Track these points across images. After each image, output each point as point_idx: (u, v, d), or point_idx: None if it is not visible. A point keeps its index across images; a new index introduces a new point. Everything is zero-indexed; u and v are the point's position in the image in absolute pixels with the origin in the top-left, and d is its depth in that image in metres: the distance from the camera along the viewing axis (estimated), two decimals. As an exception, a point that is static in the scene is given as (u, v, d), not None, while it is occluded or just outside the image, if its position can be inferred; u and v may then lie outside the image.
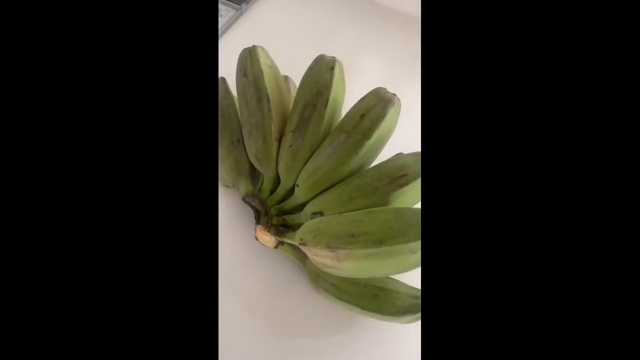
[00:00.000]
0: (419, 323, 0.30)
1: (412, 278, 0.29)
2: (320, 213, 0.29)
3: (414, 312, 0.28)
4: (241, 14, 0.50)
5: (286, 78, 0.37)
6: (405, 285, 0.29)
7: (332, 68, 0.29)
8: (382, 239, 0.24)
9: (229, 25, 0.49)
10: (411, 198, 0.28)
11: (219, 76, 0.36)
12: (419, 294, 0.28)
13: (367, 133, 0.27)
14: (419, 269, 0.26)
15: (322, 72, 0.29)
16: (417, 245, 0.23)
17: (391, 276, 0.29)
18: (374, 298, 0.28)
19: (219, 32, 0.47)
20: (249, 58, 0.31)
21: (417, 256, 0.23)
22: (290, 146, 0.30)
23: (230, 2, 0.50)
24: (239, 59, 0.32)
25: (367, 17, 0.51)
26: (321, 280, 0.30)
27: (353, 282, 0.29)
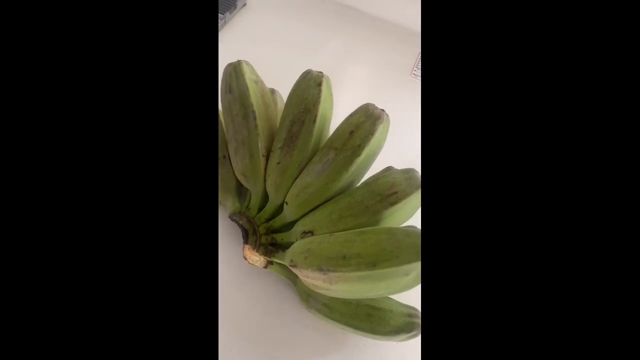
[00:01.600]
0: (417, 341, 0.29)
1: (407, 295, 0.29)
2: (311, 232, 0.28)
3: (409, 331, 0.27)
4: (225, 23, 0.49)
5: (272, 91, 0.37)
6: (399, 303, 0.28)
7: (320, 84, 0.29)
8: (374, 261, 0.23)
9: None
10: (402, 216, 0.27)
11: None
12: (414, 312, 0.28)
13: (357, 150, 0.27)
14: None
15: (310, 88, 0.29)
16: (411, 267, 0.22)
17: (384, 294, 0.29)
18: (366, 318, 0.28)
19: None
20: (234, 74, 0.30)
21: (411, 278, 0.23)
22: (278, 163, 0.29)
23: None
24: (223, 74, 0.31)
25: (353, 26, 0.51)
26: (312, 300, 0.29)
27: (345, 302, 0.28)
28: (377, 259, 0.23)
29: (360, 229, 0.25)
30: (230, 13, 0.49)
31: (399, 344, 0.29)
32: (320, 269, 0.25)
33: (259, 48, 0.46)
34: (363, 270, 0.23)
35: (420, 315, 0.28)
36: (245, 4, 0.51)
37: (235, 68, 0.30)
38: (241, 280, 0.33)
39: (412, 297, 0.28)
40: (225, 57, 0.33)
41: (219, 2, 0.49)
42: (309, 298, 0.29)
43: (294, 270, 0.27)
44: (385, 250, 0.23)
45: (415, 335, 0.28)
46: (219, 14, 0.49)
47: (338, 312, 0.28)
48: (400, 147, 0.37)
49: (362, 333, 0.28)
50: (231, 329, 0.30)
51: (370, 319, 0.28)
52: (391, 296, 0.29)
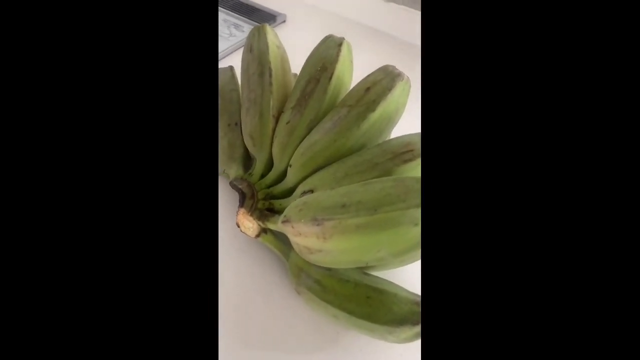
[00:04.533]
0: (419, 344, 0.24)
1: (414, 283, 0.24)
2: (311, 191, 0.25)
3: (414, 323, 0.22)
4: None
5: (295, 75, 0.36)
6: (405, 290, 0.24)
7: (340, 45, 0.28)
8: (376, 206, 0.19)
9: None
10: (417, 174, 0.24)
11: (228, 65, 0.36)
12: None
13: (371, 105, 0.25)
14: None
15: (329, 48, 0.28)
16: (419, 213, 0.19)
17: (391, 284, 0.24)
18: (365, 301, 0.23)
19: (238, 46, 0.48)
20: (257, 34, 0.30)
21: (420, 228, 0.19)
22: (287, 123, 0.28)
23: (253, 21, 0.52)
24: (247, 37, 0.31)
25: (384, 48, 0.52)
26: (304, 276, 0.25)
27: (341, 280, 0.24)
28: (380, 203, 0.19)
29: (366, 181, 0.22)
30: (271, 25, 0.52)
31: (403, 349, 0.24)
32: (314, 220, 0.21)
33: (293, 63, 0.48)
34: (362, 216, 0.20)
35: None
36: (284, 21, 0.54)
37: (259, 29, 0.30)
38: (230, 259, 0.29)
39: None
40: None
41: (261, 16, 0.53)
42: (300, 274, 0.25)
43: (286, 228, 0.23)
44: (390, 195, 0.20)
45: (420, 334, 0.22)
46: (256, 24, 0.52)
47: (332, 292, 0.24)
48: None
49: (357, 322, 0.23)
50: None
51: (370, 302, 0.23)
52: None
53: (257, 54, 0.30)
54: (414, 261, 0.25)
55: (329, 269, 0.24)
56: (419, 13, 0.52)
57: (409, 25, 0.52)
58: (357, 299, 0.23)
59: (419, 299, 0.23)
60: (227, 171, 0.31)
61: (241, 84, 0.31)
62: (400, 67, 0.26)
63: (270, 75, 0.28)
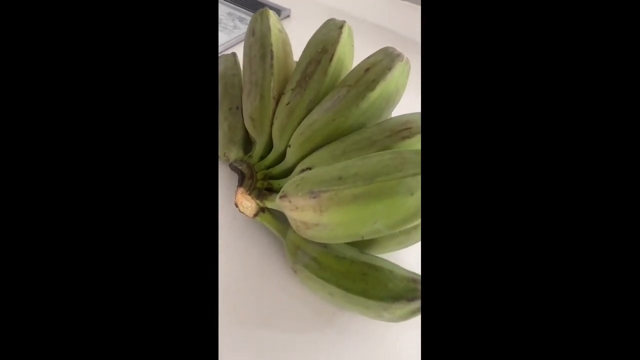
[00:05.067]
0: (417, 322, 0.24)
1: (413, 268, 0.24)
2: (309, 169, 0.25)
3: (410, 300, 0.22)
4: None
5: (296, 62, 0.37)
6: (401, 267, 0.23)
7: (341, 27, 0.28)
8: (373, 176, 0.19)
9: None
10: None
11: (231, 52, 0.36)
12: (418, 278, 0.23)
13: (371, 85, 0.25)
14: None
15: (330, 31, 0.28)
16: (415, 181, 0.19)
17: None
18: (361, 277, 0.23)
19: (240, 40, 0.49)
20: (259, 18, 0.31)
21: (417, 198, 0.19)
22: (287, 104, 0.28)
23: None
24: (250, 21, 0.32)
25: (380, 41, 0.52)
26: (300, 254, 0.25)
27: (337, 257, 0.24)
28: (377, 173, 0.19)
29: (364, 156, 0.22)
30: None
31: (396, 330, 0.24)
32: (311, 193, 0.21)
33: (296, 56, 0.48)
34: (359, 186, 0.20)
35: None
36: (288, 15, 0.55)
37: (262, 13, 0.31)
38: (227, 243, 0.29)
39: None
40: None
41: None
42: (297, 251, 0.25)
43: (283, 203, 0.23)
44: (387, 167, 0.20)
45: (416, 312, 0.22)
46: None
47: (328, 269, 0.24)
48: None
49: (353, 299, 0.23)
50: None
51: (366, 279, 0.23)
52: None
53: (259, 36, 0.30)
54: (409, 239, 0.25)
55: (325, 246, 0.24)
56: (422, 9, 0.53)
57: (412, 21, 0.53)
58: (353, 275, 0.23)
59: (415, 276, 0.23)
60: (228, 154, 0.31)
61: (243, 67, 0.32)
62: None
63: (272, 58, 0.29)
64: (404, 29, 0.54)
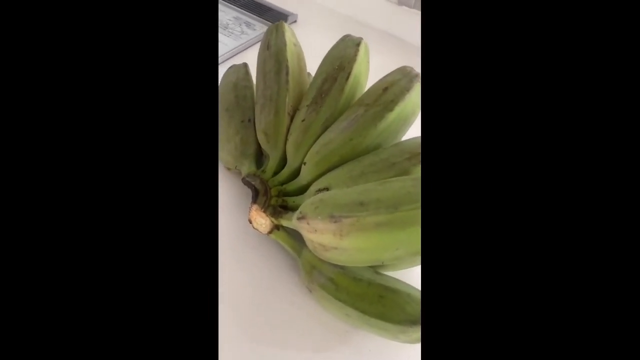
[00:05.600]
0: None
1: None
2: (326, 189, 0.25)
3: (427, 324, 0.22)
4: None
5: (309, 74, 0.37)
6: (417, 289, 0.24)
7: (358, 44, 0.28)
8: (396, 204, 0.19)
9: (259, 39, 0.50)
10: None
11: (242, 62, 0.36)
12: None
13: (389, 105, 0.25)
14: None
15: (347, 47, 0.28)
16: (440, 212, 0.19)
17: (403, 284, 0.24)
18: (378, 300, 0.23)
19: (250, 44, 0.49)
20: (275, 31, 0.30)
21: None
22: (302, 120, 0.28)
23: (266, 20, 0.52)
24: (265, 33, 0.31)
25: (393, 50, 0.52)
26: (316, 274, 0.25)
27: (354, 279, 0.24)
28: (400, 201, 0.19)
29: (384, 180, 0.22)
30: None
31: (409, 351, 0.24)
32: (331, 217, 0.21)
33: (307, 64, 0.48)
34: (382, 214, 0.20)
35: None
36: (295, 21, 0.54)
37: (277, 27, 0.31)
38: (241, 257, 0.29)
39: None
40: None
41: (272, 15, 0.53)
42: (312, 271, 0.25)
43: (301, 224, 0.23)
44: (410, 194, 0.20)
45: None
46: (269, 23, 0.52)
47: (345, 290, 0.24)
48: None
49: (369, 321, 0.23)
50: (223, 309, 0.26)
51: (383, 301, 0.23)
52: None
53: (274, 51, 0.30)
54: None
55: (342, 267, 0.24)
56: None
57: (418, 28, 0.52)
58: (370, 298, 0.23)
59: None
60: (240, 167, 0.31)
61: (256, 80, 0.31)
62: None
63: (287, 73, 0.28)
64: (410, 35, 0.53)
